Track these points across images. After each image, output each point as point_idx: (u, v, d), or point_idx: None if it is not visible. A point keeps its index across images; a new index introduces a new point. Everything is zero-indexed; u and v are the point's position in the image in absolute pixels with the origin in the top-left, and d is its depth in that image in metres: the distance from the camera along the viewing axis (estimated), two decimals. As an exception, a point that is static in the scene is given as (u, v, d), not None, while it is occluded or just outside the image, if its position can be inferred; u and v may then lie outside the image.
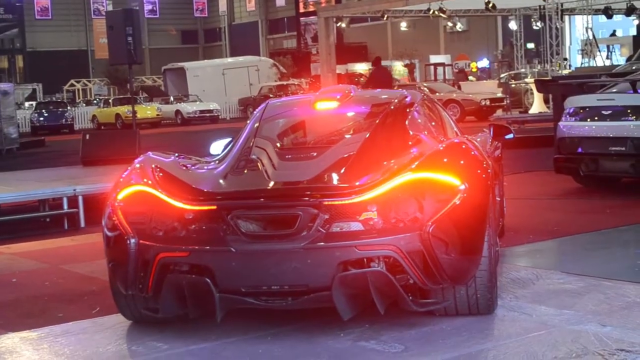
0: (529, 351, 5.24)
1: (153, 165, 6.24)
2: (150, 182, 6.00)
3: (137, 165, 6.36)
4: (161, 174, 6.08)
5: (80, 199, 12.01)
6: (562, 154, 12.27)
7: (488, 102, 34.12)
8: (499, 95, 35.72)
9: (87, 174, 14.33)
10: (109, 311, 6.64)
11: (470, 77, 54.60)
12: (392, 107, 7.13)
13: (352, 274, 5.45)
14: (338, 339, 5.73)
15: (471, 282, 5.85)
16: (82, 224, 11.90)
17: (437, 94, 34.56)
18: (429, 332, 5.76)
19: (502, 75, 46.33)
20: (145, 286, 5.83)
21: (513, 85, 37.95)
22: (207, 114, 49.31)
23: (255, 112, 7.58)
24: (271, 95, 45.89)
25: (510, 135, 8.45)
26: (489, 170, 6.15)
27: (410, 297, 5.65)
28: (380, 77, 22.25)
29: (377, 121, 6.84)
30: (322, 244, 5.45)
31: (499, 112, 33.22)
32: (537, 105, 31.69)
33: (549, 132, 16.62)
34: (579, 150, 11.98)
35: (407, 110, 7.11)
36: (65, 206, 12.10)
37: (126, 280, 5.90)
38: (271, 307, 5.66)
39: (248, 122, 7.37)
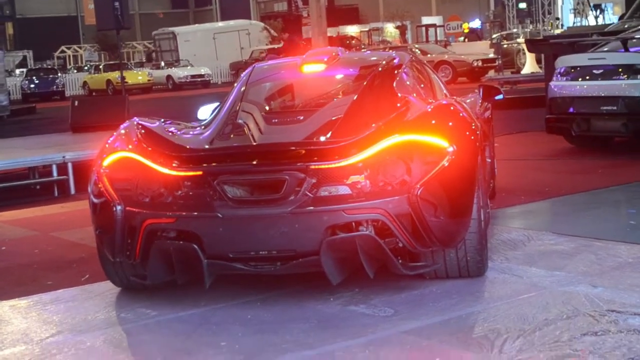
0: (520, 313, 5.21)
1: (138, 131, 6.17)
2: (135, 148, 5.93)
3: (122, 131, 6.28)
4: (146, 140, 6.01)
5: (69, 165, 11.95)
6: (554, 114, 12.20)
7: (480, 63, 34.07)
8: (491, 56, 35.60)
9: (76, 141, 14.26)
10: (98, 278, 6.61)
11: (461, 39, 54.36)
12: (379, 69, 7.05)
13: (340, 238, 5.41)
14: (328, 303, 5.70)
15: (461, 245, 5.80)
16: (72, 191, 11.85)
17: (429, 55, 34.48)
18: (419, 295, 5.73)
19: (494, 36, 46.18)
20: (132, 253, 5.79)
21: (505, 46, 37.83)
22: (199, 79, 49.14)
23: (242, 76, 7.51)
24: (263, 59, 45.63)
25: (500, 96, 8.37)
26: (477, 132, 6.10)
27: (400, 261, 5.62)
28: (295, 45, 22.29)
29: (365, 83, 6.77)
30: (310, 208, 5.40)
31: (491, 73, 33.14)
32: (530, 65, 31.55)
33: (541, 93, 16.56)
34: (571, 110, 11.91)
35: (395, 72, 7.04)
36: (55, 173, 12.05)
37: (113, 247, 5.86)
38: (259, 273, 5.63)
39: (235, 86, 7.29)
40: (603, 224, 7.57)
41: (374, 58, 7.76)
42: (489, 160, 7.97)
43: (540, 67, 28.56)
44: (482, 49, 39.58)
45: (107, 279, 6.38)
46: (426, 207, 5.45)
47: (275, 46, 53.98)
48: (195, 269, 5.62)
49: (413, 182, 5.45)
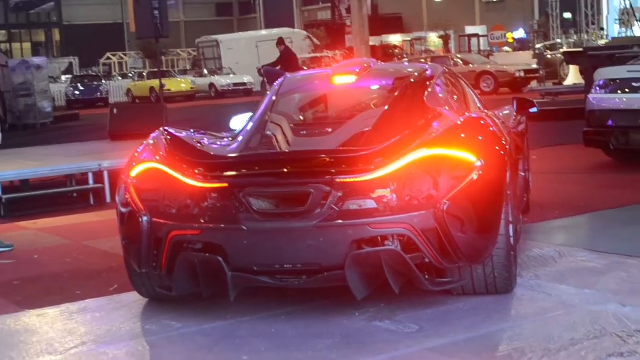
0: (546, 332, 5.13)
1: (166, 142, 6.16)
2: (162, 159, 5.93)
3: (151, 142, 6.29)
4: (174, 151, 5.99)
5: (105, 174, 12.01)
6: (592, 127, 12.05)
7: (522, 74, 33.81)
8: (534, 66, 35.35)
9: (113, 149, 14.32)
10: (127, 289, 6.60)
11: (506, 48, 54.10)
12: (411, 81, 7.00)
13: (365, 253, 5.37)
14: (352, 318, 5.64)
15: (488, 261, 5.73)
16: (108, 200, 11.89)
17: (471, 65, 34.32)
18: (445, 312, 5.67)
19: (537, 46, 45.87)
20: (158, 264, 5.78)
21: (548, 56, 37.56)
22: (241, 87, 49.32)
23: (273, 86, 7.50)
24: (305, 68, 45.69)
25: (534, 109, 8.28)
26: (507, 146, 6.02)
27: (426, 276, 5.56)
28: (290, 56, 22.25)
29: (395, 96, 6.73)
30: (335, 222, 5.36)
31: (534, 84, 32.88)
32: (572, 76, 31.26)
33: (582, 105, 16.38)
34: (609, 123, 11.76)
35: (427, 84, 6.99)
36: (91, 181, 12.11)
37: (140, 258, 5.85)
38: (284, 286, 5.60)
39: (266, 96, 7.28)
40: (638, 242, 7.44)
41: (406, 70, 7.72)
42: (523, 174, 7.89)
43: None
44: (525, 60, 39.32)
45: (134, 290, 6.37)
46: (453, 222, 5.39)
47: (318, 55, 54.21)
48: (220, 282, 5.59)
49: (440, 197, 5.39)
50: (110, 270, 7.50)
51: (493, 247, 5.68)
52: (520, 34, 61.03)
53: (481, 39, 55.52)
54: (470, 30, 59.71)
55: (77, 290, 6.91)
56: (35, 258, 8.44)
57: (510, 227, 5.95)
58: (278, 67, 21.62)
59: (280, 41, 22.27)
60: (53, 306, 6.47)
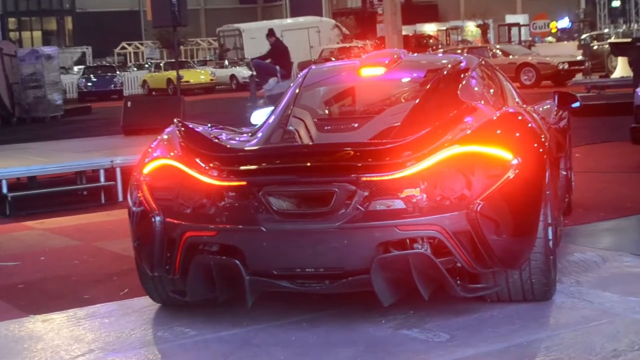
0: (587, 342, 5.11)
1: (181, 137, 6.16)
2: (177, 155, 5.94)
3: (165, 137, 6.30)
4: (189, 147, 5.99)
5: (117, 171, 12.07)
6: (640, 123, 11.97)
7: (566, 66, 33.67)
8: (579, 58, 35.19)
9: (127, 144, 14.40)
10: (138, 293, 6.63)
11: (549, 38, 53.91)
12: (444, 74, 7.00)
13: (392, 256, 5.37)
14: (378, 326, 5.65)
15: (525, 266, 5.71)
16: (120, 198, 11.93)
17: (511, 57, 34.21)
18: (478, 320, 5.66)
19: (582, 36, 45.67)
20: (171, 267, 5.80)
21: (595, 47, 37.36)
22: (300, 78, 49.28)
23: (297, 78, 7.51)
24: (333, 59, 45.70)
25: (577, 104, 8.24)
26: (546, 144, 6.00)
27: (458, 282, 5.55)
28: (281, 49, 22.23)
29: (426, 89, 6.72)
30: (360, 223, 5.36)
31: (578, 77, 32.74)
32: (621, 69, 31.04)
33: (630, 99, 16.28)
34: (660, 119, 11.68)
35: (461, 76, 6.99)
36: (102, 179, 12.17)
37: (152, 260, 5.87)
38: (305, 291, 5.61)
39: (288, 89, 7.29)
40: (688, 246, 7.41)
41: (439, 61, 7.72)
42: (564, 173, 7.87)
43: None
44: (569, 51, 39.16)
45: (146, 295, 6.40)
46: (487, 224, 5.38)
47: (347, 45, 54.22)
48: (237, 286, 5.61)
49: (473, 197, 5.38)
50: (121, 274, 7.53)
51: (530, 251, 5.67)
52: (564, 23, 60.77)
53: (522, 29, 55.31)
54: (510, 19, 59.51)
55: (86, 295, 6.95)
56: (41, 260, 8.48)
57: (550, 229, 5.93)
58: (268, 60, 21.69)
59: (271, 33, 22.33)
60: (59, 311, 6.51)
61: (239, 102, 34.19)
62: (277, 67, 21.03)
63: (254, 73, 22.64)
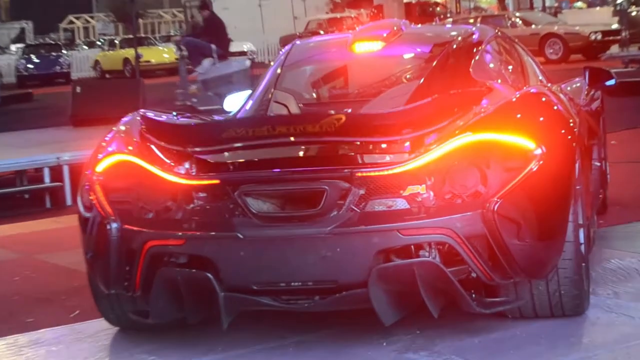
0: (627, 365, 5.16)
1: (141, 128, 6.16)
2: (136, 149, 5.95)
3: (122, 128, 6.32)
4: (151, 140, 5.99)
5: (65, 169, 12.08)
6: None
7: (599, 36, 33.76)
8: (615, 26, 35.22)
9: (76, 137, 14.41)
10: (92, 315, 6.64)
11: (578, 4, 54.01)
12: (453, 48, 7.03)
13: (394, 266, 5.39)
14: (379, 349, 5.68)
15: (552, 275, 5.74)
16: (69, 202, 11.95)
17: (533, 26, 34.31)
18: (498, 340, 5.69)
19: (618, 1, 45.74)
20: (131, 283, 5.81)
21: (633, 14, 37.42)
22: (240, 57, 49.36)
23: (279, 56, 7.53)
24: (321, 32, 45.77)
25: (612, 82, 8.25)
26: (576, 130, 6.03)
27: (473, 296, 5.57)
28: (217, 24, 22.24)
29: (432, 66, 6.75)
30: (356, 227, 5.38)
31: (614, 49, 32.77)
32: (665, 39, 31.18)
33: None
34: None
35: (473, 50, 7.03)
36: (47, 179, 12.16)
37: (108, 276, 5.87)
38: (292, 309, 5.62)
39: (268, 69, 7.31)
40: None
41: (447, 33, 7.76)
42: (598, 164, 7.91)
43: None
44: (602, 18, 39.19)
45: (101, 316, 6.41)
46: (506, 227, 5.40)
47: (338, 15, 54.28)
48: (210, 305, 5.62)
49: (489, 194, 5.40)
50: (72, 292, 7.55)
51: (558, 258, 5.69)
52: (596, -15, 60.88)
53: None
54: (532, -20, 59.61)
55: (29, 318, 6.98)
56: (-25, 277, 8.50)
57: (581, 231, 5.96)
58: (200, 38, 21.64)
59: (204, 5, 22.28)
60: (-2, 338, 6.52)
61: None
62: (213, 46, 20.87)
63: (185, 53, 22.43)
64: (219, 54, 21.04)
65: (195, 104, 19.29)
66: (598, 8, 48.44)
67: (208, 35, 21.40)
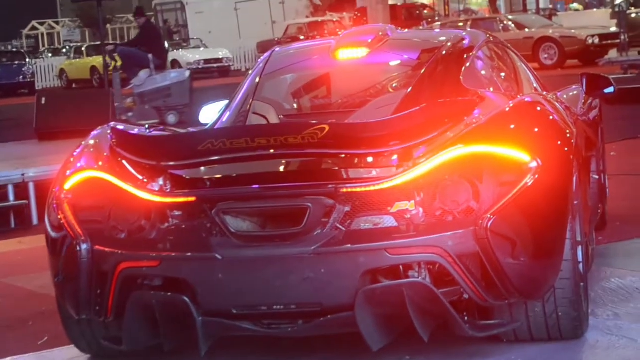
0: (629, 391, 5.19)
1: (112, 142, 6.17)
2: (107, 165, 5.95)
3: (92, 142, 6.32)
4: (123, 155, 6.00)
5: (31, 186, 12.05)
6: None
7: (597, 40, 33.89)
8: (613, 29, 35.37)
9: (42, 152, 14.39)
10: (61, 342, 6.64)
11: (574, 5, 54.20)
12: (442, 54, 7.06)
13: (382, 288, 5.40)
14: (367, 376, 5.69)
15: (549, 296, 5.76)
16: (35, 221, 11.93)
17: (527, 30, 34.41)
18: (492, 365, 5.71)
19: (617, 2, 45.92)
20: (103, 308, 5.80)
21: (633, 16, 37.57)
22: (215, 65, 49.46)
23: (257, 64, 7.55)
24: (301, 37, 45.84)
25: (611, 89, 8.29)
26: (573, 141, 6.07)
27: (465, 318, 5.59)
28: (154, 33, 22.22)
29: (420, 74, 6.78)
30: (341, 246, 5.39)
31: (612, 54, 32.92)
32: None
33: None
34: None
35: (464, 57, 7.06)
36: (11, 197, 12.13)
37: (78, 300, 5.87)
38: (274, 335, 5.64)
39: (246, 78, 7.33)
40: None
41: (436, 39, 7.78)
42: (596, 177, 7.94)
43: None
44: (600, 21, 39.36)
45: (71, 343, 6.41)
46: (500, 245, 5.42)
47: (319, 19, 54.34)
48: (187, 330, 5.62)
49: (482, 211, 5.42)
50: (39, 317, 7.54)
51: (555, 277, 5.71)
52: (593, -15, 61.08)
53: (541, -6, 55.57)
54: (525, -19, 59.77)
55: (-6, 345, 6.97)
56: None
57: (579, 249, 6.00)
58: (136, 48, 21.53)
59: (139, 12, 22.22)
60: (-40, 368, 6.53)
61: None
62: (150, 56, 20.72)
63: (119, 64, 22.20)
64: (156, 64, 20.89)
65: (131, 118, 18.92)
66: (595, 10, 48.69)
67: (144, 45, 21.23)
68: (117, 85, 21.84)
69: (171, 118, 19.89)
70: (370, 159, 5.58)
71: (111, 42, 54.43)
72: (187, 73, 21.78)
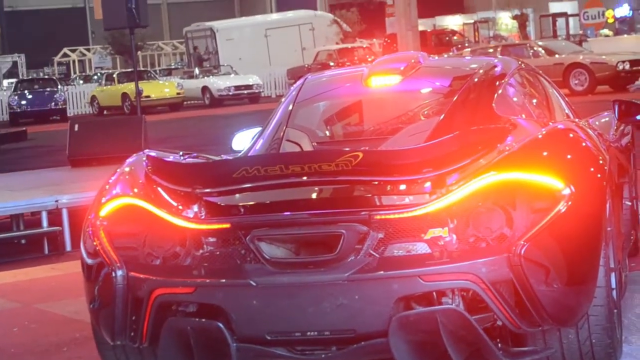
0: (663, 419, 5.17)
1: (147, 169, 6.20)
2: (142, 192, 5.98)
3: (127, 169, 6.35)
4: (158, 182, 6.04)
5: (64, 212, 12.07)
6: None
7: (627, 66, 33.72)
8: (644, 55, 35.28)
9: (75, 179, 14.39)
10: (96, 367, 6.66)
11: (605, 31, 54.08)
12: (474, 82, 7.07)
13: (415, 315, 5.40)
14: (400, 403, 5.66)
15: (583, 323, 5.74)
16: (68, 247, 11.97)
17: (557, 55, 34.30)
18: (526, 391, 5.68)
19: (647, 28, 45.84)
20: (138, 334, 5.82)
21: (663, 42, 37.49)
22: (245, 91, 49.48)
23: (290, 91, 7.58)
24: (331, 63, 45.92)
25: (644, 116, 8.29)
26: (606, 167, 6.06)
27: (499, 345, 5.58)
28: None
29: (453, 101, 6.79)
30: (374, 273, 5.40)
31: (644, 80, 32.84)
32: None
33: None
34: None
35: (496, 84, 7.07)
36: (45, 223, 12.18)
37: (113, 326, 5.88)
38: (308, 361, 5.64)
39: (280, 104, 7.36)
40: None
41: (468, 66, 7.80)
42: (629, 204, 7.92)
43: None
44: (631, 46, 39.25)
45: (106, 369, 6.43)
46: (534, 272, 5.40)
47: (349, 45, 54.39)
48: (221, 356, 5.62)
49: (515, 237, 5.42)
50: (74, 343, 7.57)
51: (589, 304, 5.69)
52: (623, 11, 60.95)
53: (570, 20, 55.52)
54: (555, 7, 59.77)
55: (29, 371, 6.99)
56: (-30, 328, 8.51)
57: (612, 275, 5.99)
58: None
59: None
60: (-4, 394, 6.56)
61: (215, 121, 34.29)
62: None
63: None
64: None
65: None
66: (625, 36, 48.57)
67: None
68: None
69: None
70: (403, 186, 5.60)
71: (142, 68, 54.76)
72: None
